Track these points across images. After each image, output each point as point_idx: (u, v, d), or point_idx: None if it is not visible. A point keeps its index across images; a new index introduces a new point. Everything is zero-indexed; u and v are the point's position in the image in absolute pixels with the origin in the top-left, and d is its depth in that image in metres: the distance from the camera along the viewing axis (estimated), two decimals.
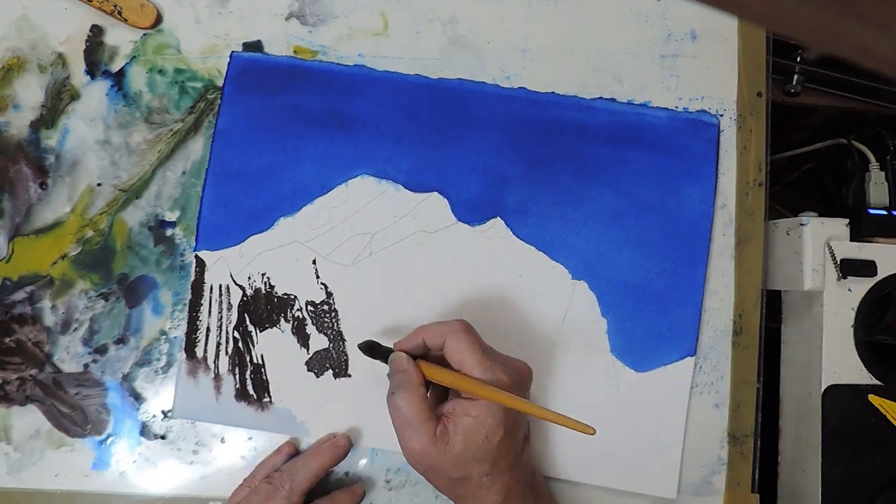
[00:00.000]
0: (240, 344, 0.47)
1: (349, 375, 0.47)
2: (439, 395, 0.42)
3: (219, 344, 0.47)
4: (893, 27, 0.14)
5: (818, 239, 0.49)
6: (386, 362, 0.41)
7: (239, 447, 0.47)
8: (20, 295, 0.46)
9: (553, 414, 0.36)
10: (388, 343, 0.43)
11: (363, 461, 0.47)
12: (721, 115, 0.50)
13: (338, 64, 0.49)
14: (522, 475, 0.40)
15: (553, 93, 0.49)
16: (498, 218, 0.48)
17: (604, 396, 0.47)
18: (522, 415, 0.40)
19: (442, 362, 0.41)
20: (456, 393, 0.40)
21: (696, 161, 0.49)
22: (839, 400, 0.48)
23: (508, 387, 0.37)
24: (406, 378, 0.39)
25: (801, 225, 0.49)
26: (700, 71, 0.50)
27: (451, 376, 0.39)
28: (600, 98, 0.49)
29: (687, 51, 0.50)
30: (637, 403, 0.47)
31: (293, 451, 0.46)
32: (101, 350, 0.47)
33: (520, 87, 0.49)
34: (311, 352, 0.47)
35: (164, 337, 0.47)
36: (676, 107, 0.50)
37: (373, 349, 0.42)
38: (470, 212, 0.48)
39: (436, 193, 0.48)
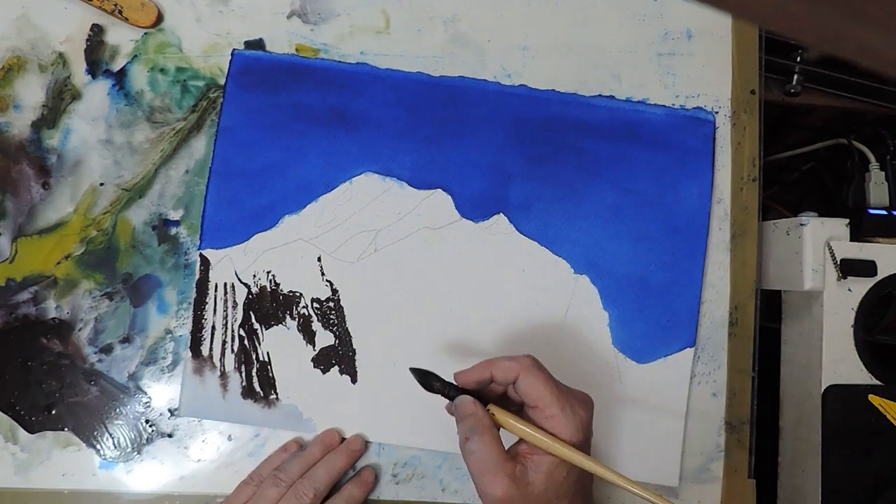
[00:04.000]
0: (245, 342, 0.48)
1: (356, 371, 0.48)
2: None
3: (224, 342, 0.48)
4: (893, 27, 0.15)
5: (818, 239, 0.49)
6: (440, 394, 0.39)
7: (246, 444, 0.47)
8: (24, 295, 0.46)
9: (630, 483, 0.35)
10: (445, 372, 0.40)
11: (370, 456, 0.47)
12: (716, 112, 0.51)
13: (340, 62, 0.50)
14: None
15: (553, 90, 0.50)
16: (501, 214, 0.49)
17: (606, 388, 0.48)
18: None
19: (503, 396, 0.39)
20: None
21: (693, 157, 0.50)
22: (839, 400, 0.48)
23: (586, 422, 0.37)
24: (478, 422, 0.37)
25: (801, 225, 0.50)
26: (696, 69, 0.51)
27: (532, 433, 0.37)
28: (599, 95, 0.50)
29: (683, 49, 0.51)
30: (639, 394, 0.48)
31: (298, 449, 0.46)
32: (107, 349, 0.47)
33: (520, 85, 0.50)
34: (318, 348, 0.48)
35: (170, 336, 0.47)
36: (674, 104, 0.51)
37: (427, 378, 0.39)
38: (473, 208, 0.49)
39: (439, 190, 0.49)
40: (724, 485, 0.48)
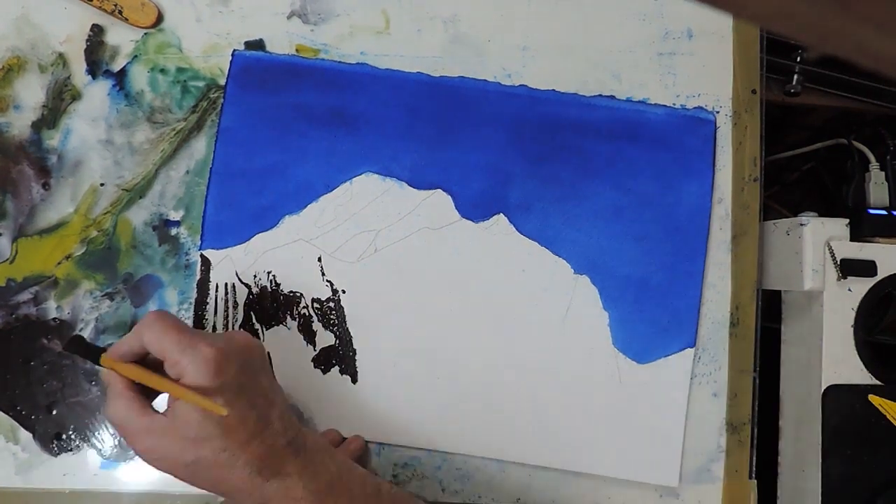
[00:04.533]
0: None
1: (356, 371, 0.48)
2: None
3: None
4: (893, 27, 0.15)
5: (818, 239, 0.49)
6: (85, 357, 0.39)
7: None
8: (25, 296, 0.46)
9: (188, 393, 0.35)
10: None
11: (370, 456, 0.48)
12: (717, 112, 0.51)
13: (340, 62, 0.50)
14: (277, 442, 0.37)
15: (553, 90, 0.50)
16: (501, 214, 0.49)
17: (606, 388, 0.48)
18: (258, 382, 0.38)
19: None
20: None
21: (693, 157, 0.50)
22: (839, 400, 0.48)
23: (216, 362, 0.35)
24: (111, 388, 0.37)
25: (801, 225, 0.50)
26: (696, 69, 0.51)
27: (136, 371, 0.36)
28: (600, 95, 0.50)
29: (683, 49, 0.51)
30: (639, 394, 0.48)
31: None
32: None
33: (521, 85, 0.50)
34: (318, 348, 0.48)
35: None
36: (674, 104, 0.51)
37: (77, 346, 0.39)
38: (473, 208, 0.49)
39: (439, 190, 0.49)
40: (725, 485, 0.48)
